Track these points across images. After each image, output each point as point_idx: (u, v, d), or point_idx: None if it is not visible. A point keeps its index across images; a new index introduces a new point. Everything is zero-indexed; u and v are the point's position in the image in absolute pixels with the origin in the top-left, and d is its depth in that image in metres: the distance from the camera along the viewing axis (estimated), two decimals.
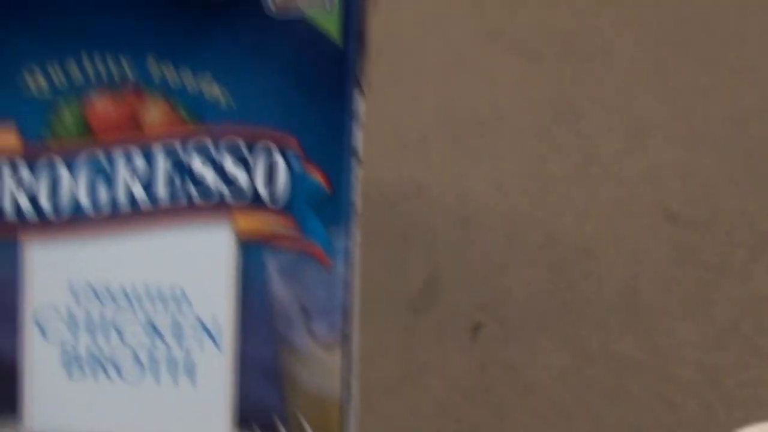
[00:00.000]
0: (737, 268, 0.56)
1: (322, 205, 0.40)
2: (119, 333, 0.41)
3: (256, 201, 0.40)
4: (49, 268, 0.41)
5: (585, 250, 0.57)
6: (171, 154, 0.40)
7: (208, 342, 0.41)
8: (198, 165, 0.40)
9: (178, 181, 0.40)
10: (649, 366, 0.53)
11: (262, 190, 0.40)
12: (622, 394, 0.51)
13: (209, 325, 0.41)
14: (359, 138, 0.39)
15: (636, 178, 0.59)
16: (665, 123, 0.63)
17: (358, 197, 0.40)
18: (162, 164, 0.40)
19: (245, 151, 0.40)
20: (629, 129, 0.62)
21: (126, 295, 0.41)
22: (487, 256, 0.55)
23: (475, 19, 0.67)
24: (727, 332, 0.54)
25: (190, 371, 0.41)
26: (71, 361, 0.41)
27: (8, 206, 0.41)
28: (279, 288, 0.41)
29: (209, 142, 0.40)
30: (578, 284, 0.56)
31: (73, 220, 0.41)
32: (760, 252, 0.57)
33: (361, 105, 0.39)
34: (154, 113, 0.40)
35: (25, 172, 0.41)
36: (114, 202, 0.41)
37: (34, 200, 0.41)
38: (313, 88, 0.39)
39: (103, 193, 0.41)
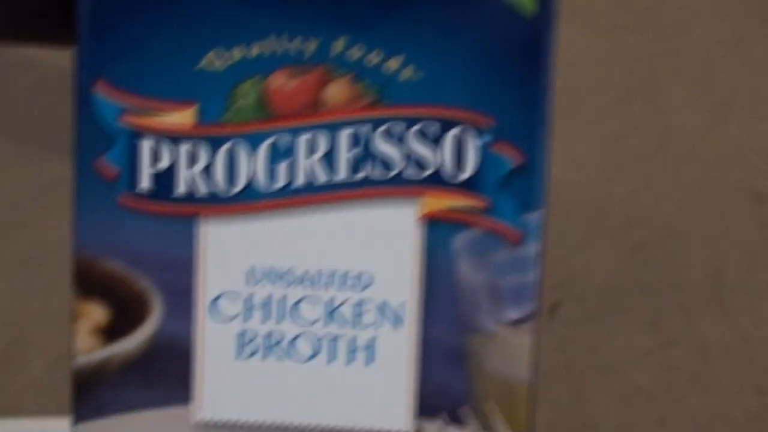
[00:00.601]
0: None
1: (514, 184, 0.39)
2: (297, 315, 0.40)
3: (444, 181, 0.39)
4: (227, 249, 0.40)
5: (666, 230, 0.57)
6: (356, 134, 0.39)
7: (390, 325, 0.40)
8: (384, 145, 0.39)
9: (362, 162, 0.39)
10: (734, 349, 0.53)
11: (451, 170, 0.39)
12: (706, 377, 0.52)
13: (392, 308, 0.40)
14: (552, 114, 0.39)
15: (719, 156, 0.59)
16: (749, 98, 0.63)
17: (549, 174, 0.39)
18: (346, 144, 0.39)
19: (434, 131, 0.39)
20: (711, 105, 0.62)
21: (305, 276, 0.40)
22: (565, 235, 0.55)
23: None
24: None
25: (371, 356, 0.40)
26: (245, 345, 0.40)
27: (185, 185, 0.39)
28: (467, 269, 0.40)
29: (397, 122, 0.39)
30: (660, 265, 0.56)
31: (251, 200, 0.40)
32: None
33: (553, 80, 0.39)
34: (340, 93, 0.39)
35: (202, 152, 0.39)
36: (295, 183, 0.39)
37: (211, 180, 0.39)
38: (506, 65, 0.38)
39: (283, 173, 0.39)
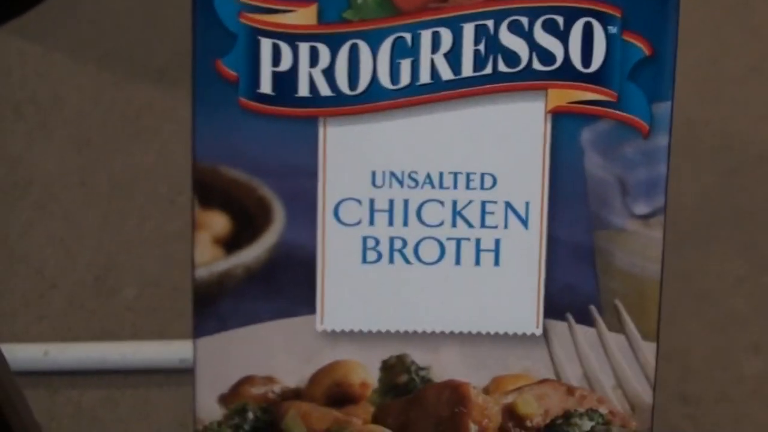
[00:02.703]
0: None
1: (643, 75, 0.39)
2: (422, 219, 0.40)
3: (571, 73, 0.39)
4: (349, 153, 0.39)
5: (761, 154, 0.56)
6: (480, 28, 0.39)
7: (517, 223, 0.40)
8: (509, 38, 0.39)
9: (487, 56, 0.39)
10: None
11: (579, 63, 0.39)
12: None
13: (519, 206, 0.40)
14: (681, 6, 0.39)
15: None
16: None
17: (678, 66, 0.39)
18: (470, 39, 0.39)
19: (561, 23, 0.39)
20: None
21: (429, 178, 0.40)
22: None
23: None
24: None
25: (497, 257, 0.40)
26: (369, 251, 0.40)
27: (307, 86, 0.39)
28: (595, 163, 0.40)
29: (523, 15, 0.39)
30: (754, 189, 0.55)
31: (375, 101, 0.39)
32: None
33: None
34: None
35: (323, 51, 0.39)
36: (419, 81, 0.39)
37: (333, 80, 0.39)
38: None
39: (406, 72, 0.39)
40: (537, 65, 0.37)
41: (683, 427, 0.50)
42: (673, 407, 0.50)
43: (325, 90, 0.37)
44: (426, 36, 0.37)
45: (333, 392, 0.39)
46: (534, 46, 0.37)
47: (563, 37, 0.37)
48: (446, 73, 0.37)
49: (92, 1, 0.64)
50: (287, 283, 0.38)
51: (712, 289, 0.49)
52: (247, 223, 0.38)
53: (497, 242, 0.38)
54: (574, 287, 0.38)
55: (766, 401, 0.50)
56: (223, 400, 0.39)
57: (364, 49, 0.37)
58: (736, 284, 0.50)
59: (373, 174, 0.38)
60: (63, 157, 0.62)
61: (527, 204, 0.38)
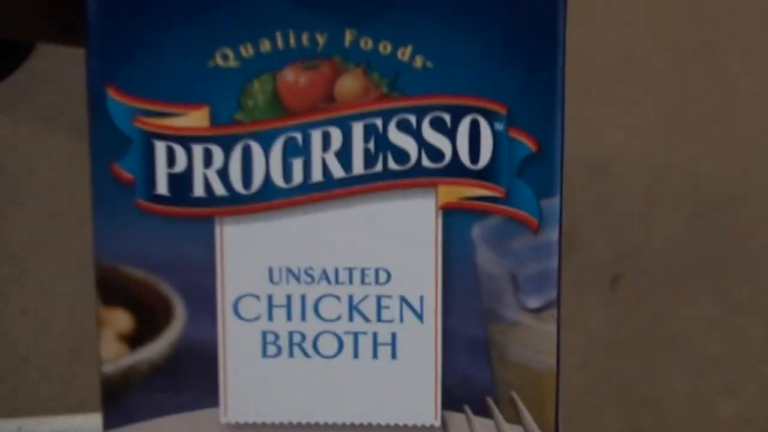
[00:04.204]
0: None
1: (530, 171, 0.40)
2: (319, 313, 0.41)
3: (460, 170, 0.40)
4: (246, 250, 0.41)
5: (729, 195, 0.56)
6: (369, 126, 0.40)
7: (412, 317, 0.41)
8: (398, 137, 0.40)
9: (377, 155, 0.40)
10: None
11: (467, 159, 0.40)
12: None
13: (413, 300, 0.41)
14: (566, 102, 0.40)
15: None
16: None
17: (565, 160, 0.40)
18: (360, 137, 0.40)
19: (448, 120, 0.40)
20: None
21: (325, 274, 0.41)
22: (626, 204, 0.55)
23: None
24: None
25: (394, 350, 0.41)
26: (269, 345, 0.41)
27: (202, 187, 0.40)
28: (486, 258, 0.41)
29: (410, 114, 0.40)
30: (724, 231, 0.55)
31: (269, 199, 0.40)
32: None
33: (565, 68, 0.40)
34: (352, 86, 0.40)
35: (217, 152, 0.40)
36: (311, 179, 0.40)
37: (228, 180, 0.40)
38: (518, 51, 0.39)
39: (298, 170, 0.40)
40: (426, 162, 0.38)
41: None
42: None
43: (220, 190, 0.38)
44: (316, 135, 0.38)
45: None
46: (422, 144, 0.38)
47: (451, 134, 0.38)
48: (337, 171, 0.38)
49: (61, 71, 0.66)
50: (190, 378, 0.39)
51: (685, 332, 0.50)
52: (149, 320, 0.39)
53: (393, 336, 0.39)
54: (470, 379, 0.39)
55: None
56: None
57: (256, 149, 0.38)
58: (709, 327, 0.50)
59: (270, 270, 0.39)
60: (35, 228, 0.64)
61: (422, 298, 0.39)
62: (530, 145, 0.37)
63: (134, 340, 0.39)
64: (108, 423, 0.39)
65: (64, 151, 0.64)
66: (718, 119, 0.57)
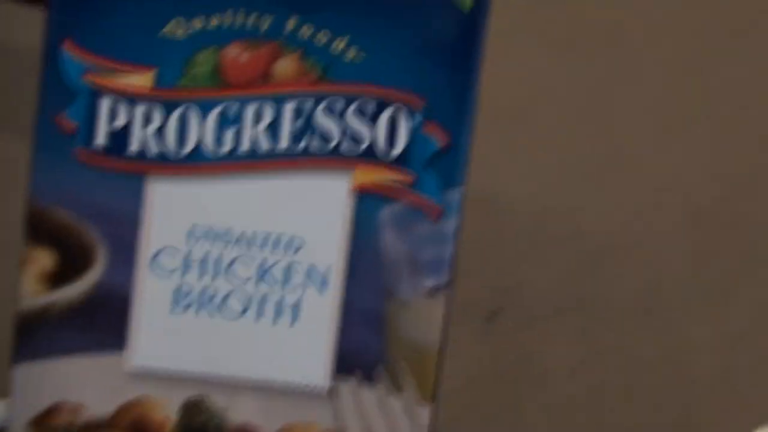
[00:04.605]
0: (757, 270, 0.58)
1: (438, 163, 0.44)
2: (231, 274, 0.44)
3: (376, 156, 0.44)
4: (171, 208, 0.44)
5: (608, 245, 0.59)
6: (300, 107, 0.44)
7: (316, 288, 0.44)
8: (324, 120, 0.44)
9: (303, 133, 0.44)
10: (664, 365, 0.55)
11: (383, 147, 0.44)
12: (635, 391, 0.55)
13: (319, 272, 0.44)
14: (478, 102, 0.44)
15: (663, 175, 0.63)
16: (693, 122, 0.65)
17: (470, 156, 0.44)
18: (290, 116, 0.44)
19: (371, 109, 0.44)
20: (657, 126, 0.64)
21: (242, 237, 0.44)
22: (510, 244, 0.59)
23: (505, 10, 0.67)
24: (744, 334, 0.55)
25: (296, 314, 0.44)
26: (180, 299, 0.44)
27: (138, 144, 0.43)
28: (390, 240, 0.45)
29: (338, 99, 0.44)
30: (599, 278, 0.58)
31: (198, 163, 0.44)
32: None
33: (482, 70, 0.44)
34: (288, 68, 0.44)
35: (156, 113, 0.44)
36: (240, 149, 0.44)
37: (163, 141, 0.44)
38: (441, 53, 0.43)
39: (229, 139, 0.44)
40: (346, 146, 0.42)
41: None
42: None
43: (154, 149, 0.42)
44: (250, 109, 0.42)
45: (135, 426, 0.42)
46: (345, 129, 0.42)
47: (372, 122, 0.42)
48: (265, 145, 0.42)
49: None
50: (103, 321, 0.42)
51: (550, 373, 0.52)
52: (72, 262, 0.42)
53: (298, 301, 0.42)
54: (364, 349, 0.42)
55: None
56: (34, 424, 0.42)
57: (193, 115, 0.42)
58: (573, 369, 0.53)
59: (191, 229, 0.42)
60: None
61: (328, 269, 0.42)
62: (441, 140, 0.42)
63: (55, 280, 0.42)
64: (18, 357, 0.42)
65: None
66: (604, 172, 0.61)
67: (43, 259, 0.42)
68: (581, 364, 0.53)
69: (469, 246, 0.56)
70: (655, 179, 0.62)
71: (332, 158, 0.41)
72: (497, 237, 0.57)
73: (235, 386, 0.42)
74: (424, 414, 0.42)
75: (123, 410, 0.42)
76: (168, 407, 0.42)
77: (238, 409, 0.42)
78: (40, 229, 0.41)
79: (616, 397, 0.52)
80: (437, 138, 0.41)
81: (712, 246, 0.59)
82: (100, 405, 0.42)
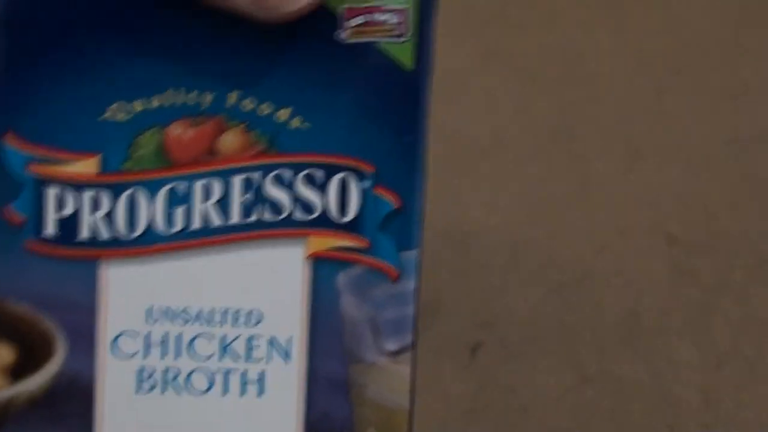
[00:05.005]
0: (736, 289, 0.57)
1: (392, 225, 0.44)
2: (193, 351, 0.44)
3: (329, 223, 0.42)
4: (126, 290, 0.43)
5: (584, 272, 0.59)
6: (248, 179, 0.43)
7: (279, 359, 0.44)
8: (274, 190, 0.43)
9: (254, 206, 0.43)
10: (649, 388, 0.55)
11: (335, 213, 0.44)
12: (621, 415, 0.54)
13: (282, 341, 0.44)
14: (427, 165, 0.43)
15: (634, 201, 0.62)
16: (662, 146, 0.65)
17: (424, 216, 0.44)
18: (238, 189, 0.43)
19: (320, 177, 0.43)
20: (627, 152, 0.64)
21: (200, 314, 0.43)
22: (487, 277, 0.58)
23: (473, 41, 0.67)
24: (726, 354, 0.55)
25: (261, 387, 0.44)
26: (144, 380, 0.43)
27: (88, 230, 0.43)
28: (350, 304, 0.44)
29: (286, 169, 0.43)
30: (577, 306, 0.58)
31: (150, 244, 0.43)
32: (759, 273, 0.58)
33: (428, 128, 0.43)
34: (234, 142, 0.43)
35: (104, 198, 0.43)
36: (191, 227, 0.43)
37: (113, 225, 0.43)
38: (386, 116, 0.42)
39: (180, 218, 0.43)
40: (298, 214, 0.41)
41: None
42: None
43: (105, 234, 0.41)
44: (198, 186, 0.41)
45: None
46: (296, 197, 0.41)
47: (322, 189, 0.41)
48: (216, 220, 0.41)
49: None
50: (68, 411, 0.41)
51: (538, 402, 0.52)
52: (30, 354, 0.41)
53: (262, 374, 0.42)
54: (332, 416, 0.42)
55: None
56: None
57: (142, 196, 0.41)
58: (560, 397, 0.52)
59: (149, 310, 0.41)
60: None
61: (289, 339, 0.41)
62: (393, 202, 0.41)
63: (15, 372, 0.41)
64: None
65: None
66: (576, 200, 0.60)
67: (2, 353, 0.41)
68: (566, 391, 0.53)
69: (445, 282, 0.56)
70: (627, 203, 0.61)
71: (285, 228, 0.41)
72: (472, 271, 0.56)
73: None
74: None
75: None
76: None
77: None
78: None
79: (603, 421, 0.52)
80: (389, 200, 0.41)
81: (688, 266, 0.58)
82: None
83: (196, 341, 0.41)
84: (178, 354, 0.41)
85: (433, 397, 0.51)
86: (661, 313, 0.56)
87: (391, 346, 0.41)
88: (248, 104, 0.40)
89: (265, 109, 0.40)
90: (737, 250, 0.59)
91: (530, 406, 0.51)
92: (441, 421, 0.50)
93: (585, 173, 0.61)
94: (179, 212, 0.40)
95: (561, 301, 0.56)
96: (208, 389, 0.41)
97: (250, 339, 0.41)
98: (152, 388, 0.41)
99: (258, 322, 0.41)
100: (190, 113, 0.40)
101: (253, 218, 0.40)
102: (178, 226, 0.40)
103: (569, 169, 0.62)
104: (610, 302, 0.57)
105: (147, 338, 0.41)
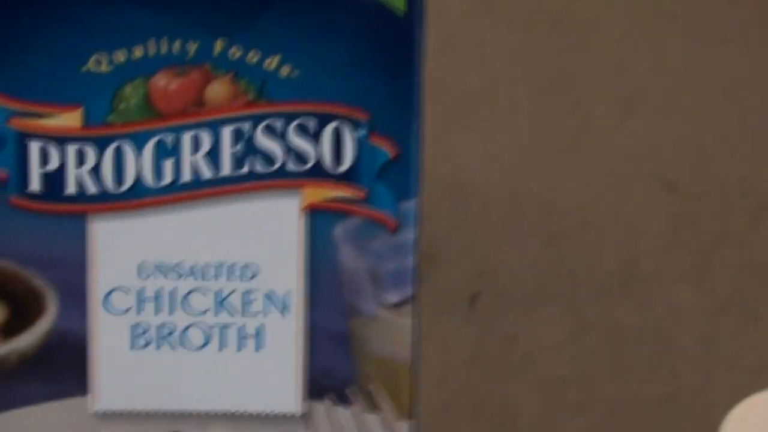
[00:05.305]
0: (735, 235, 0.56)
1: (389, 174, 0.42)
2: (188, 306, 0.42)
3: (323, 173, 0.40)
4: (117, 245, 0.41)
5: (582, 220, 0.58)
6: (238, 130, 0.41)
7: (277, 312, 0.42)
8: (265, 140, 0.42)
9: (245, 157, 0.41)
10: (648, 334, 0.54)
11: (330, 163, 0.42)
12: (621, 362, 0.53)
13: (279, 295, 0.42)
14: (423, 106, 0.42)
15: (631, 148, 0.61)
16: (659, 92, 0.63)
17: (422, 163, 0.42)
18: (228, 140, 0.42)
19: (313, 126, 0.42)
20: (623, 98, 0.62)
21: (194, 269, 0.42)
22: (484, 227, 0.57)
23: None
24: (726, 299, 0.53)
25: (260, 342, 0.42)
26: (138, 337, 0.42)
27: (75, 185, 0.41)
28: (348, 256, 0.42)
29: (277, 118, 0.42)
30: (576, 254, 0.57)
31: (139, 197, 0.41)
32: (758, 218, 0.56)
33: (423, 74, 0.42)
34: (221, 91, 0.41)
35: (90, 152, 0.41)
36: (181, 179, 0.41)
37: (100, 179, 0.41)
38: (379, 62, 0.41)
39: (169, 171, 0.41)
40: (291, 165, 0.39)
41: None
42: None
43: (92, 188, 0.39)
44: (187, 138, 0.39)
45: None
46: (288, 148, 0.39)
47: (315, 139, 0.39)
48: (206, 173, 0.39)
49: None
50: (60, 368, 0.40)
51: (537, 351, 0.51)
52: (21, 312, 0.40)
53: (259, 329, 0.40)
54: (333, 370, 0.40)
55: None
56: None
57: (128, 149, 0.39)
58: (559, 347, 0.52)
59: (140, 265, 0.40)
60: None
61: (287, 293, 0.40)
62: (389, 151, 0.39)
63: (6, 331, 0.40)
64: None
65: None
66: (573, 148, 0.59)
67: None
68: (567, 340, 0.52)
69: (445, 234, 0.54)
70: (625, 151, 0.60)
71: (278, 179, 0.39)
72: (470, 222, 0.55)
73: (206, 419, 0.40)
74: (404, 430, 0.40)
75: None
76: None
77: None
78: None
79: (603, 369, 0.51)
80: (385, 149, 0.39)
81: (688, 212, 0.57)
82: None
83: (191, 296, 0.40)
84: (172, 309, 0.40)
85: (433, 348, 0.49)
86: (660, 259, 0.55)
87: (392, 298, 0.40)
88: (235, 52, 0.38)
89: (253, 57, 0.38)
90: (736, 195, 0.58)
91: (531, 355, 0.50)
92: (441, 372, 0.49)
93: (582, 121, 0.60)
94: (168, 165, 0.39)
95: (560, 249, 0.55)
96: (205, 344, 0.40)
97: (246, 293, 0.40)
98: (147, 344, 0.40)
99: (254, 276, 0.40)
100: (175, 63, 0.38)
101: (245, 170, 0.39)
102: (168, 179, 0.39)
103: (566, 118, 0.60)
104: (609, 250, 0.56)
105: (140, 294, 0.39)
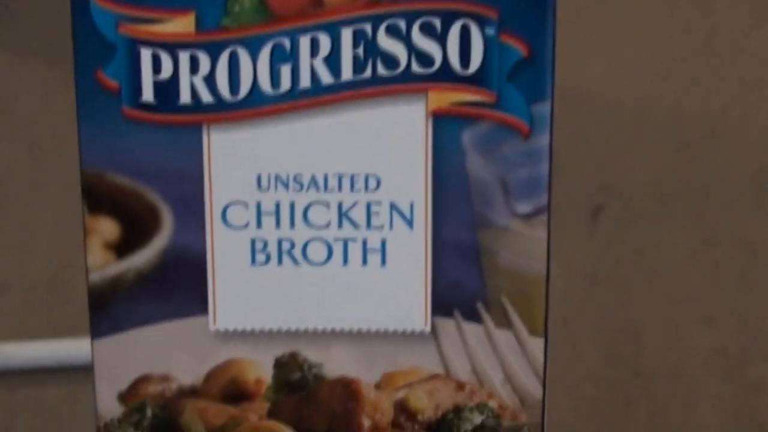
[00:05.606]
0: None
1: (521, 76, 0.39)
2: (309, 220, 0.40)
3: (450, 75, 0.38)
4: (234, 157, 0.39)
5: (711, 130, 0.55)
6: (358, 32, 0.39)
7: (402, 224, 0.40)
8: (388, 42, 0.39)
9: (366, 60, 0.39)
10: None
11: (457, 65, 0.39)
12: (751, 277, 0.51)
13: (403, 207, 0.40)
14: (557, 6, 0.39)
15: (762, 55, 0.58)
16: None
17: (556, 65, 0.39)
18: (348, 43, 0.39)
19: (438, 25, 0.39)
20: (754, 5, 0.60)
21: (315, 182, 0.40)
22: (608, 137, 0.54)
23: None
24: None
25: (384, 256, 0.40)
26: (258, 252, 0.40)
27: (189, 94, 0.39)
28: (477, 164, 0.40)
29: (399, 18, 0.39)
30: (705, 165, 0.54)
31: (256, 106, 0.39)
32: None
33: None
34: None
35: (203, 58, 0.39)
36: (299, 86, 0.39)
37: (214, 87, 0.39)
38: None
39: (286, 77, 0.39)
40: (416, 68, 0.37)
41: (637, 400, 0.50)
42: (626, 381, 0.50)
43: (206, 97, 0.37)
44: (304, 41, 0.37)
45: (228, 389, 0.39)
46: (412, 49, 0.37)
47: (441, 39, 0.36)
48: (326, 78, 0.37)
49: (35, 4, 0.64)
50: (179, 286, 0.38)
51: (664, 264, 0.49)
52: (136, 228, 0.38)
53: (383, 242, 0.38)
54: (461, 285, 0.38)
55: (718, 373, 0.50)
56: (122, 398, 0.39)
57: (243, 55, 0.37)
58: (688, 258, 0.49)
59: (259, 177, 0.38)
60: (14, 161, 0.63)
61: (412, 204, 0.38)
62: (521, 50, 0.36)
63: (121, 248, 0.38)
64: (96, 332, 0.38)
65: (41, 84, 0.63)
66: (701, 54, 0.55)
67: (106, 228, 0.38)
68: (693, 253, 0.49)
69: (566, 146, 0.51)
70: (755, 57, 0.56)
71: (402, 83, 0.36)
72: (592, 132, 0.52)
73: (328, 337, 0.38)
74: (537, 347, 0.38)
75: (214, 375, 0.38)
76: (260, 367, 0.38)
77: (334, 362, 0.38)
78: (98, 198, 0.37)
79: (731, 284, 0.48)
80: (516, 50, 0.36)
81: None
82: (188, 372, 0.38)
83: (311, 209, 0.37)
84: (292, 223, 0.37)
85: (555, 263, 0.47)
86: None
87: (524, 208, 0.37)
88: None
89: None
90: None
91: (657, 268, 0.48)
92: (564, 287, 0.46)
93: (711, 27, 0.56)
94: (285, 70, 0.36)
95: (685, 160, 0.52)
96: (327, 260, 0.37)
97: (369, 205, 0.37)
98: (267, 259, 0.37)
99: (377, 187, 0.37)
100: None
101: (366, 74, 0.36)
102: (285, 85, 0.36)
103: (695, 23, 0.56)
104: (739, 160, 0.52)
105: (258, 208, 0.37)
